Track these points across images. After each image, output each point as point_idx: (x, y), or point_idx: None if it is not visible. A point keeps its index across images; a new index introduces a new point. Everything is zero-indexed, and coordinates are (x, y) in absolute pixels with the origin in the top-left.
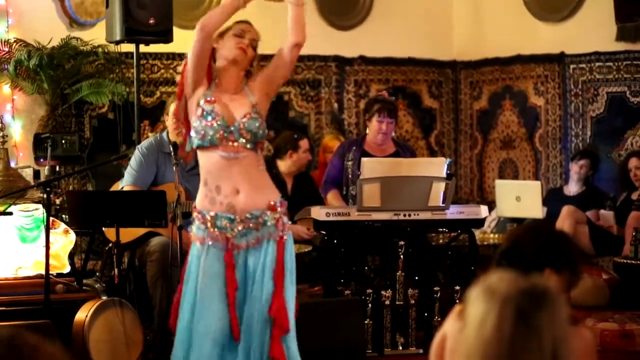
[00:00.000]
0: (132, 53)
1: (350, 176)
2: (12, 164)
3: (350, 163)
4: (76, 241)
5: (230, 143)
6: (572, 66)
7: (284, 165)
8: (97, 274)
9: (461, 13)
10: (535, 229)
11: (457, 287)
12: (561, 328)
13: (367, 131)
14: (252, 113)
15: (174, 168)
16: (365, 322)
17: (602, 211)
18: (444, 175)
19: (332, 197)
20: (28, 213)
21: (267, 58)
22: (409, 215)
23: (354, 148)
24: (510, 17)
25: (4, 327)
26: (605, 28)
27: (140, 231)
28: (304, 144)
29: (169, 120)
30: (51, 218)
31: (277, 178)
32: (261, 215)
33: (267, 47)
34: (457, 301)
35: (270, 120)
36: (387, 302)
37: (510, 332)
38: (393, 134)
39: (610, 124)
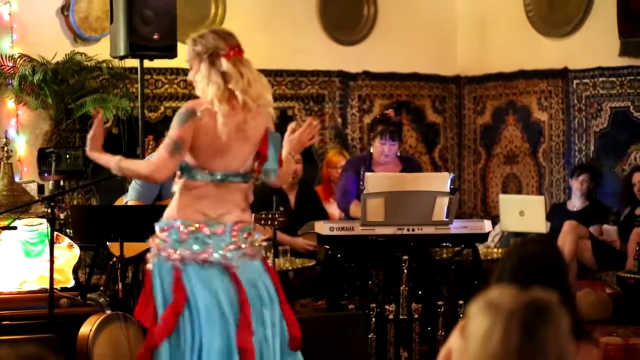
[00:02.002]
0: (136, 68)
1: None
2: (17, 179)
3: (361, 183)
4: (80, 255)
5: None
6: (575, 81)
7: None
8: (101, 288)
9: (465, 28)
10: (546, 244)
11: (461, 302)
12: (565, 340)
13: (372, 150)
14: None
15: None
16: (369, 336)
17: (605, 226)
18: (447, 190)
19: (355, 205)
20: (32, 227)
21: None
22: (413, 229)
23: (362, 168)
24: (513, 32)
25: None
26: (609, 43)
27: (144, 246)
28: None
29: None
30: (55, 232)
31: (279, 192)
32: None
33: (264, 62)
34: (461, 316)
35: None
36: (391, 317)
37: (517, 346)
38: (398, 152)
39: (613, 138)
